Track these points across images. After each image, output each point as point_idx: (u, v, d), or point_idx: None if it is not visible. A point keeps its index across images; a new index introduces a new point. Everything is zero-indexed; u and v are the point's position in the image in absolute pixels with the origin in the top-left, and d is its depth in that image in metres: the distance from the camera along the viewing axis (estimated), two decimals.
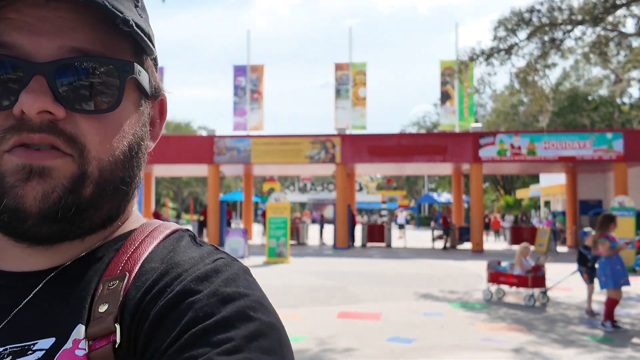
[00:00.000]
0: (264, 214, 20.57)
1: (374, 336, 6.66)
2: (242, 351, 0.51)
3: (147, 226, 0.67)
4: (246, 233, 16.27)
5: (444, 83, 22.87)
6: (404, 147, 20.63)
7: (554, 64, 15.01)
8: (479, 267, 14.26)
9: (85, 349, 0.55)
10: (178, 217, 47.43)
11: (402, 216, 31.55)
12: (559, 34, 13.40)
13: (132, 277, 0.59)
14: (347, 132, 21.81)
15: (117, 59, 0.60)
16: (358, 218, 30.68)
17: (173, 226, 0.69)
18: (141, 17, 0.63)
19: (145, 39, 0.61)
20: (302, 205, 54.55)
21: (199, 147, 21.56)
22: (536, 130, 22.71)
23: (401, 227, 29.43)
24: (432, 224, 25.62)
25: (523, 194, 39.90)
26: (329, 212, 31.14)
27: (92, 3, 0.56)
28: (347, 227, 20.86)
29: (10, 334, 0.57)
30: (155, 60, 0.69)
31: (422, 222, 45.87)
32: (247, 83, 23.44)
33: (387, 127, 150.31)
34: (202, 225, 24.02)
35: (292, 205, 27.86)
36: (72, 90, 0.57)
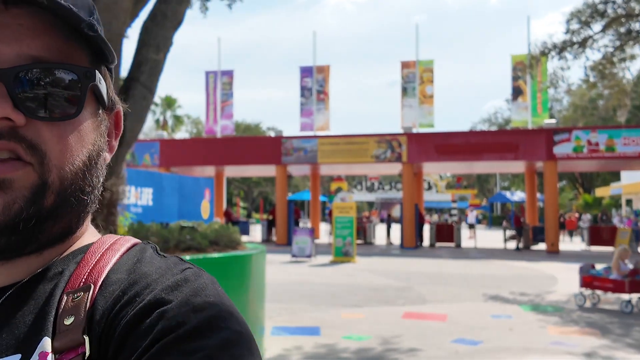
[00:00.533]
0: (330, 213, 20.71)
1: (439, 337, 6.59)
2: (214, 359, 0.52)
3: (107, 239, 0.67)
4: (313, 232, 16.45)
5: (515, 78, 22.13)
6: (473, 145, 20.16)
7: (633, 56, 14.19)
8: (554, 269, 13.73)
9: None
10: (248, 216, 48.59)
11: (472, 215, 30.80)
12: (635, 26, 12.66)
13: (98, 288, 0.59)
14: (414, 130, 21.56)
15: (78, 65, 0.60)
16: (427, 217, 30.24)
17: (133, 239, 0.68)
18: (100, 30, 0.62)
19: (109, 45, 0.62)
20: (370, 204, 54.39)
21: (267, 147, 22.01)
22: (615, 126, 21.51)
23: (471, 226, 28.75)
24: (505, 223, 24.84)
25: (603, 192, 37.88)
26: (396, 211, 30.91)
27: (58, 9, 0.56)
28: (414, 226, 20.64)
29: None
30: (111, 71, 0.69)
31: (493, 221, 44.58)
32: (314, 84, 23.68)
33: (456, 124, 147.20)
34: (270, 224, 24.51)
35: (359, 204, 27.81)
36: (32, 98, 0.57)
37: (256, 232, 28.61)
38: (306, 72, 24.01)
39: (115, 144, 0.72)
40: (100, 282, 0.59)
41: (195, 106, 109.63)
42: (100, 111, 0.65)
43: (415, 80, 22.65)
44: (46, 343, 0.55)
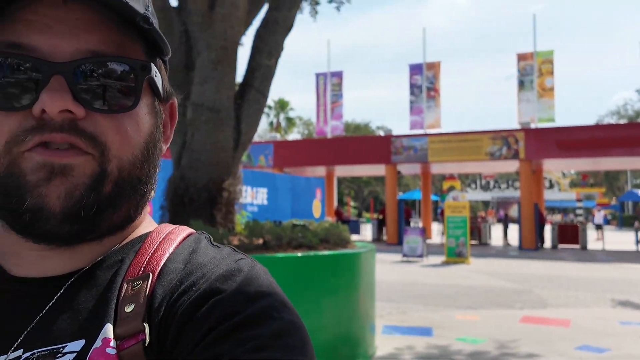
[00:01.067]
0: (442, 213, 20.25)
1: (560, 343, 6.21)
2: (267, 349, 0.52)
3: (163, 229, 0.68)
4: (424, 232, 16.18)
5: None
6: (600, 140, 18.71)
7: None
8: None
9: (115, 348, 0.56)
10: (359, 215, 48.82)
11: (599, 215, 28.57)
12: None
13: (156, 276, 0.60)
14: (532, 125, 20.45)
15: (134, 59, 0.60)
16: (548, 217, 28.54)
17: (188, 229, 0.70)
18: (154, 22, 0.63)
19: (164, 37, 0.63)
20: (485, 203, 52.35)
21: (377, 147, 21.99)
22: None
23: (599, 227, 26.68)
24: (637, 224, 22.79)
25: None
26: (514, 211, 29.48)
27: (114, 2, 0.57)
28: (534, 226, 19.58)
29: (37, 339, 0.57)
30: (166, 63, 0.70)
31: (624, 222, 41.09)
32: (423, 81, 23.28)
33: (581, 118, 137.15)
34: (381, 223, 24.45)
35: (474, 204, 26.88)
36: (91, 90, 0.57)
37: (366, 231, 28.67)
38: (416, 69, 23.66)
39: (171, 134, 0.72)
40: (158, 271, 0.61)
41: (306, 108, 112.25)
42: (156, 102, 0.66)
43: (533, 72, 21.47)
44: (109, 329, 0.57)
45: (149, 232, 0.68)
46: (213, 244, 0.67)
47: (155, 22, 0.62)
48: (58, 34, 0.57)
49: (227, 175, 5.23)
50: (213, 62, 5.11)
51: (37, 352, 0.56)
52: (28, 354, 0.56)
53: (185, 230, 0.69)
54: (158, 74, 0.65)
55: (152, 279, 0.60)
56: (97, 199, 0.59)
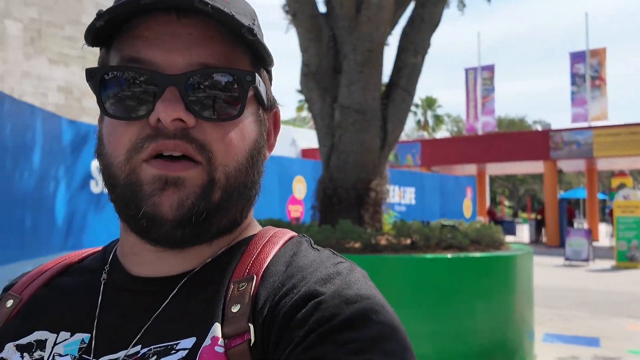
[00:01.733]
0: (611, 213, 18.40)
1: None
2: (366, 352, 0.53)
3: (266, 232, 0.72)
4: (590, 234, 14.83)
5: None
6: None
7: None
8: None
9: (223, 347, 0.58)
10: (515, 215, 46.27)
11: None
12: None
13: (260, 278, 0.63)
14: None
15: (240, 69, 0.64)
16: None
17: (290, 232, 0.72)
18: (259, 34, 0.66)
19: (267, 48, 0.66)
20: None
21: (533, 142, 20.65)
22: None
23: None
24: None
25: None
26: None
27: (222, 16, 0.60)
28: None
29: (153, 335, 0.62)
30: (270, 73, 0.73)
31: None
32: (587, 70, 21.35)
33: None
34: (539, 224, 22.94)
35: None
36: (200, 100, 0.62)
37: (523, 232, 27.01)
38: (577, 57, 21.81)
39: (274, 142, 0.75)
40: (261, 273, 0.63)
41: (455, 104, 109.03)
42: (260, 111, 0.70)
43: None
44: (217, 328, 0.60)
45: (254, 235, 0.71)
46: (313, 247, 0.69)
47: (260, 34, 0.66)
48: (172, 48, 0.62)
49: (374, 175, 5.26)
50: (359, 65, 5.18)
51: (153, 348, 0.61)
52: (145, 349, 0.61)
53: (287, 234, 0.72)
54: (262, 83, 0.68)
55: (256, 281, 0.62)
56: (206, 206, 0.63)
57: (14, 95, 9.33)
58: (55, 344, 0.65)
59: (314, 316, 0.56)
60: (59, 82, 10.76)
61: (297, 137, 24.13)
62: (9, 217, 5.20)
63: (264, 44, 0.65)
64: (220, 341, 0.59)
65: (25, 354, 0.65)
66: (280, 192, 10.40)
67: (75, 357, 0.63)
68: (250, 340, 0.58)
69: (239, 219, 0.69)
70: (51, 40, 10.74)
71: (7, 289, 0.75)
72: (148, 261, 0.68)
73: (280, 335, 0.57)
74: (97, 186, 6.98)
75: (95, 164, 6.91)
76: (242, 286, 0.62)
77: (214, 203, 0.63)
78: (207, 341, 0.59)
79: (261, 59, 0.68)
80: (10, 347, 0.66)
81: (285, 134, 22.79)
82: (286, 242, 0.70)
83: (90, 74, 0.63)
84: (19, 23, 10.23)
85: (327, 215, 5.22)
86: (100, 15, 0.61)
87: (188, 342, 0.60)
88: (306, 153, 22.76)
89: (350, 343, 0.53)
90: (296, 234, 0.73)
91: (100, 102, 0.63)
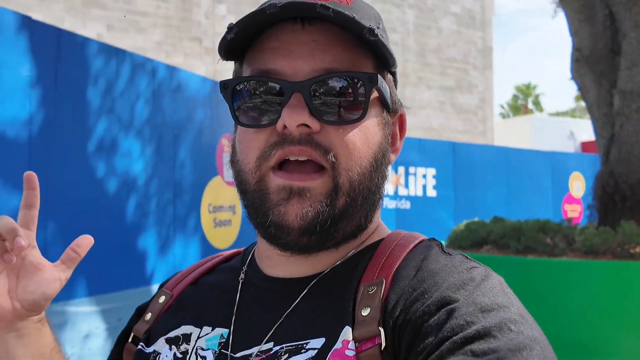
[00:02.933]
0: None
1: None
2: None
3: (395, 236, 0.70)
4: None
5: None
6: None
7: None
8: None
9: (354, 350, 0.58)
10: None
11: None
12: None
13: (390, 282, 0.62)
14: None
15: (362, 72, 0.64)
16: None
17: (420, 236, 0.70)
18: (382, 36, 0.65)
19: (390, 49, 0.64)
20: None
21: None
22: None
23: None
24: None
25: None
26: None
27: (343, 19, 0.59)
28: None
29: (285, 333, 0.63)
30: (394, 75, 0.72)
31: None
32: None
33: None
34: None
35: None
36: (324, 105, 0.62)
37: None
38: None
39: (400, 145, 0.74)
40: (391, 277, 0.62)
41: None
42: (384, 114, 0.69)
43: None
44: (348, 332, 0.59)
45: (383, 239, 0.70)
46: (444, 252, 0.67)
47: (384, 37, 0.66)
48: (298, 56, 0.64)
49: None
50: None
51: (286, 346, 0.62)
52: (278, 347, 0.63)
53: (417, 238, 0.70)
54: (386, 85, 0.68)
55: (385, 285, 0.62)
56: (331, 213, 0.64)
57: None
58: (198, 337, 0.70)
59: (447, 324, 0.54)
60: None
61: (575, 129, 21.96)
62: None
63: (387, 46, 0.65)
64: (351, 344, 0.59)
65: (173, 347, 0.70)
66: (553, 190, 9.55)
67: (215, 351, 0.67)
68: (380, 344, 0.58)
69: (364, 224, 0.69)
70: None
71: (162, 285, 0.83)
72: (278, 264, 0.71)
73: (412, 341, 0.56)
74: None
75: None
76: (372, 289, 0.62)
77: (338, 209, 0.64)
78: (338, 344, 0.59)
79: (384, 61, 0.68)
80: (161, 341, 0.72)
81: (561, 126, 20.99)
82: (416, 245, 0.68)
83: (224, 86, 0.67)
84: None
85: (607, 216, 4.62)
86: (230, 28, 0.64)
87: (317, 342, 0.61)
88: (587, 146, 20.54)
89: (488, 354, 0.50)
90: (426, 238, 0.71)
91: (233, 112, 0.67)
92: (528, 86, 39.27)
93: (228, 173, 4.70)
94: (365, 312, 0.60)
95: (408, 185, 7.97)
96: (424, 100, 12.39)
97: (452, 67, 12.92)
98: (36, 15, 4.62)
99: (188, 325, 0.72)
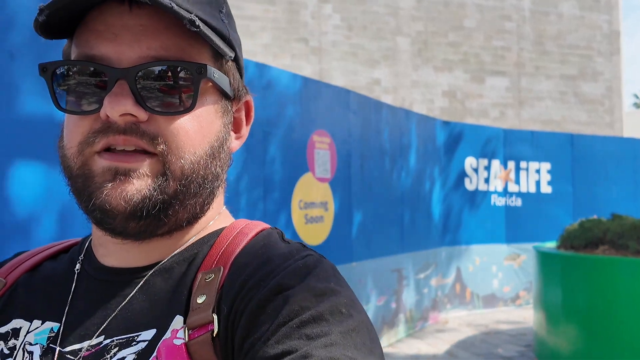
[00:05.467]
0: None
1: None
2: (337, 346, 0.52)
3: (237, 224, 0.70)
4: None
5: None
6: None
7: None
8: None
9: (184, 338, 0.58)
10: None
11: None
12: None
13: (227, 270, 0.62)
14: None
15: (190, 62, 0.61)
16: None
17: (262, 224, 0.71)
18: (223, 22, 0.64)
19: (216, 39, 0.61)
20: None
21: None
22: None
23: None
24: None
25: None
26: None
27: (162, 7, 0.56)
28: None
29: (117, 326, 0.62)
30: (238, 62, 0.70)
31: None
32: None
33: None
34: None
35: None
36: (151, 93, 0.60)
37: None
38: None
39: (247, 131, 0.74)
40: (229, 265, 0.62)
41: None
42: (223, 102, 0.67)
43: None
44: (178, 321, 0.60)
45: (224, 227, 0.70)
46: (284, 240, 0.68)
47: (225, 22, 0.64)
48: (124, 41, 0.60)
49: None
50: None
51: (116, 339, 0.61)
52: (108, 340, 0.61)
53: (258, 226, 0.70)
54: (222, 74, 0.66)
55: (223, 272, 0.62)
56: (159, 198, 0.61)
57: (405, 104, 10.38)
58: (27, 332, 0.66)
59: (283, 309, 0.55)
60: (444, 87, 11.43)
61: None
62: (390, 214, 5.77)
63: (210, 36, 0.61)
64: (180, 333, 0.59)
65: (1, 342, 0.66)
66: (635, 181, 8.23)
67: (43, 346, 0.64)
68: (213, 330, 0.58)
69: (199, 212, 0.68)
70: (436, 49, 11.53)
71: None
72: (113, 252, 0.68)
73: (248, 328, 0.56)
74: (472, 184, 7.09)
75: (468, 162, 7.05)
76: (210, 277, 0.62)
77: (168, 195, 0.62)
78: (167, 334, 0.59)
79: (221, 51, 0.63)
80: None
81: None
82: (257, 234, 0.68)
83: (43, 69, 0.63)
84: (408, 38, 11.34)
85: None
86: (41, 10, 0.60)
87: (148, 334, 0.60)
88: None
89: (322, 336, 0.53)
90: (268, 226, 0.71)
91: (53, 96, 0.63)
92: None
93: (319, 169, 4.70)
94: (200, 300, 0.60)
95: (519, 181, 7.46)
96: (543, 91, 11.61)
97: (574, 55, 11.96)
98: None
99: (18, 319, 0.68)
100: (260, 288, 0.58)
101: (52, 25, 0.62)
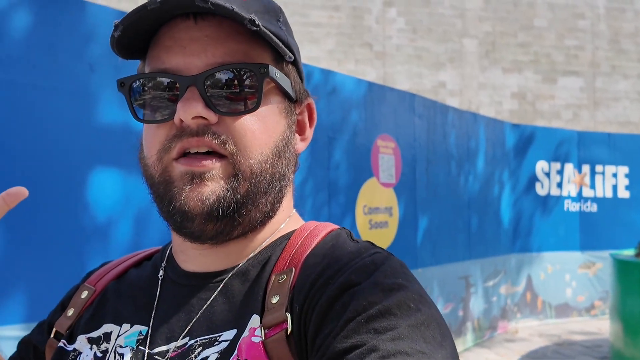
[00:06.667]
0: None
1: None
2: (405, 339, 0.52)
3: (307, 226, 0.72)
4: None
5: None
6: None
7: None
8: None
9: (261, 336, 0.60)
10: None
11: None
12: None
13: (298, 271, 0.64)
14: None
15: (252, 62, 0.65)
16: None
17: (331, 226, 0.72)
18: (281, 29, 0.68)
19: (276, 39, 0.64)
20: None
21: None
22: None
23: None
24: None
25: None
26: None
27: (223, 11, 0.60)
28: None
29: (200, 328, 0.66)
30: (297, 66, 0.72)
31: None
32: None
33: None
34: None
35: None
36: (219, 96, 0.64)
37: None
38: None
39: (310, 133, 0.76)
40: (300, 265, 0.65)
41: None
42: (286, 104, 0.70)
43: None
44: (255, 320, 0.63)
45: (295, 230, 0.72)
46: (352, 239, 0.70)
47: (283, 29, 0.69)
48: (191, 52, 0.64)
49: None
50: None
51: (200, 339, 0.65)
52: (192, 341, 0.65)
53: (327, 227, 0.72)
54: (283, 76, 0.69)
55: (294, 273, 0.64)
56: (232, 197, 0.64)
57: (471, 107, 10.16)
58: (118, 335, 0.70)
59: (351, 305, 0.57)
60: (513, 88, 11.09)
61: None
62: (457, 219, 5.65)
63: (271, 35, 0.65)
64: (258, 331, 0.61)
65: (94, 346, 0.70)
66: None
67: (133, 348, 0.68)
68: (287, 329, 0.60)
69: (271, 211, 0.70)
70: (505, 50, 11.21)
71: (85, 278, 0.81)
72: (193, 258, 0.71)
73: (319, 324, 0.58)
74: (543, 188, 6.83)
75: (540, 166, 6.80)
76: (282, 278, 0.64)
77: (240, 195, 0.65)
78: (246, 332, 0.62)
79: (282, 52, 0.67)
80: (82, 339, 0.72)
81: None
82: (326, 235, 0.70)
83: (120, 84, 0.68)
84: (475, 39, 11.09)
85: None
86: (116, 26, 0.64)
87: (229, 334, 0.63)
88: None
89: (389, 330, 0.53)
90: (337, 227, 0.73)
91: (132, 109, 0.68)
92: None
93: (384, 175, 4.68)
94: (274, 300, 0.63)
95: (594, 185, 7.12)
96: (620, 91, 11.02)
97: None
98: None
99: (109, 324, 0.73)
100: (329, 286, 0.60)
101: (126, 43, 0.67)
